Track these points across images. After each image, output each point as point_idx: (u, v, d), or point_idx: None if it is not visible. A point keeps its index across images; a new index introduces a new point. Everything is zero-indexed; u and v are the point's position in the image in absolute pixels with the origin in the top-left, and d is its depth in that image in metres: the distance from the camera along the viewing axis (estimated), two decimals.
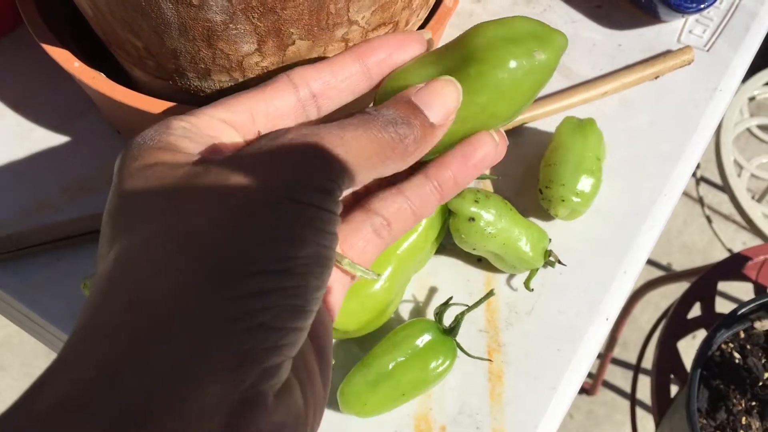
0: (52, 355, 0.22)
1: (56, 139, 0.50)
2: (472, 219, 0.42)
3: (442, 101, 0.30)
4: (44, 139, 0.50)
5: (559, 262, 0.45)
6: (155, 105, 0.40)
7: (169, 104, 0.40)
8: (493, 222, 0.42)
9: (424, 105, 0.29)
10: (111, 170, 0.27)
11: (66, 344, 0.22)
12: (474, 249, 0.44)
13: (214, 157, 0.26)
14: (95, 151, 0.50)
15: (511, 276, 0.46)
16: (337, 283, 0.30)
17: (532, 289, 0.45)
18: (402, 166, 0.29)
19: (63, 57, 0.42)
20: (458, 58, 0.32)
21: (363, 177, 0.27)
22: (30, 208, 0.47)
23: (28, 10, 0.44)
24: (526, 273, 0.45)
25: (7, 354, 1.32)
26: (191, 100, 0.41)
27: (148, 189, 0.24)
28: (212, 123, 0.27)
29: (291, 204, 0.24)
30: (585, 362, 0.44)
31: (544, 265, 0.45)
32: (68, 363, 0.21)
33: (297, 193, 0.24)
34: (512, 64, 0.31)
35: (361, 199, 0.32)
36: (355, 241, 0.30)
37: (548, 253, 0.44)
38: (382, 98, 0.32)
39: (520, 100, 0.33)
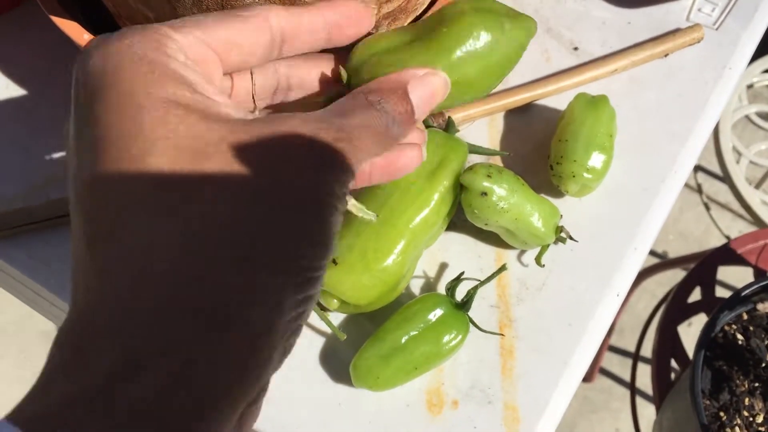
0: (50, 342, 0.22)
1: (62, 114, 0.50)
2: (485, 193, 0.42)
3: (431, 99, 0.30)
4: (50, 113, 0.50)
5: (571, 237, 0.45)
6: None
7: None
8: (506, 197, 0.42)
9: (415, 98, 0.29)
10: None
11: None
12: (486, 224, 0.44)
13: (231, 115, 0.24)
14: None
15: (522, 252, 0.46)
16: None
17: (543, 265, 0.45)
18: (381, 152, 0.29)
19: (73, 30, 0.41)
20: (431, 25, 0.36)
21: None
22: (37, 183, 0.47)
23: None
24: (537, 249, 0.45)
25: (4, 341, 1.32)
26: None
27: (177, 153, 0.22)
28: (197, 47, 0.26)
29: (322, 204, 0.24)
30: (596, 338, 0.44)
31: (556, 241, 0.45)
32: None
33: (327, 191, 0.24)
34: (482, 32, 0.36)
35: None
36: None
37: (560, 229, 0.44)
38: (358, 62, 0.35)
39: (492, 67, 0.37)
